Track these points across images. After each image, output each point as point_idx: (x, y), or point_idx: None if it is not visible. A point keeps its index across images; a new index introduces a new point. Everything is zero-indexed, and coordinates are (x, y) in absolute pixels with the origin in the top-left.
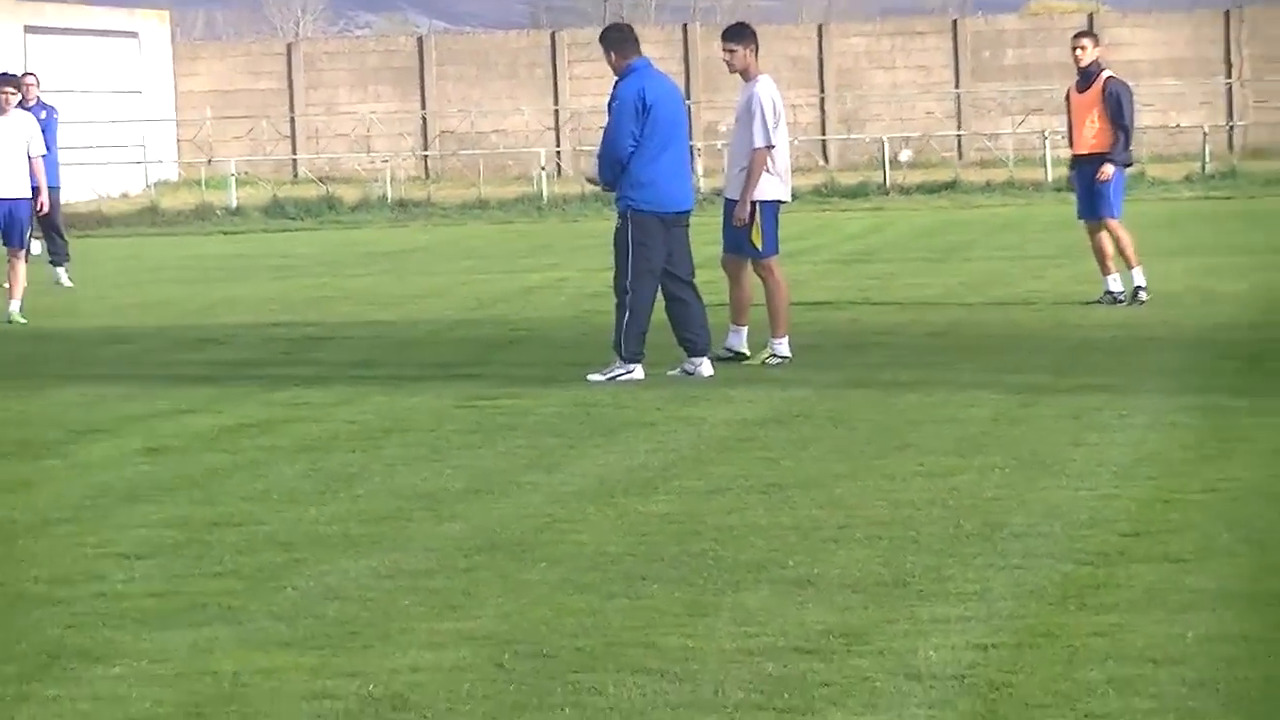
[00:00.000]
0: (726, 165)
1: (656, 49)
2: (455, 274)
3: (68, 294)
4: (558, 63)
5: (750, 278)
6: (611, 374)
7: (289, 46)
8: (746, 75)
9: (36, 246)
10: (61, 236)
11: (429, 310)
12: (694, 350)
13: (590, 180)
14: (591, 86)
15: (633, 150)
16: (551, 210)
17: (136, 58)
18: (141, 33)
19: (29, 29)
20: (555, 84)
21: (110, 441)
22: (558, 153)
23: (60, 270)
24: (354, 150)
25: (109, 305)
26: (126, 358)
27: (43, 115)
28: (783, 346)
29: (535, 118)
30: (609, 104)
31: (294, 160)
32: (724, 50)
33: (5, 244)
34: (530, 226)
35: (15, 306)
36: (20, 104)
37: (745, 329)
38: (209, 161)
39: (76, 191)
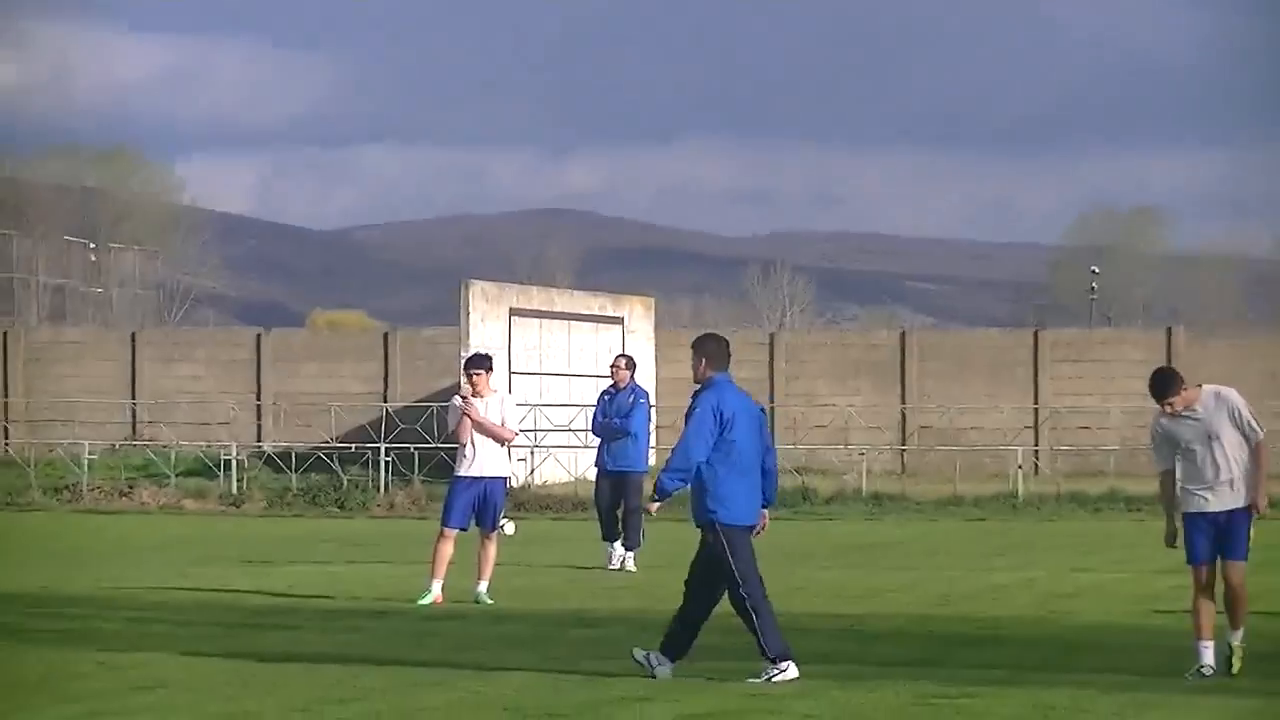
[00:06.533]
0: (1212, 479)
1: (1137, 350)
2: (925, 569)
3: (540, 576)
4: (1039, 361)
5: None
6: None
7: (772, 336)
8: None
9: (510, 528)
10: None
11: (895, 604)
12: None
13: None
14: (1073, 386)
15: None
16: (1027, 509)
17: (619, 344)
18: (627, 319)
19: (514, 311)
20: (1035, 382)
21: None
22: (1035, 451)
23: (630, 555)
24: (831, 442)
25: (580, 588)
26: (589, 642)
27: (631, 399)
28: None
29: (1014, 416)
30: (686, 414)
31: None
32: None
33: (478, 524)
34: (1004, 524)
35: (483, 587)
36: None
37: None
38: None
39: (554, 473)
